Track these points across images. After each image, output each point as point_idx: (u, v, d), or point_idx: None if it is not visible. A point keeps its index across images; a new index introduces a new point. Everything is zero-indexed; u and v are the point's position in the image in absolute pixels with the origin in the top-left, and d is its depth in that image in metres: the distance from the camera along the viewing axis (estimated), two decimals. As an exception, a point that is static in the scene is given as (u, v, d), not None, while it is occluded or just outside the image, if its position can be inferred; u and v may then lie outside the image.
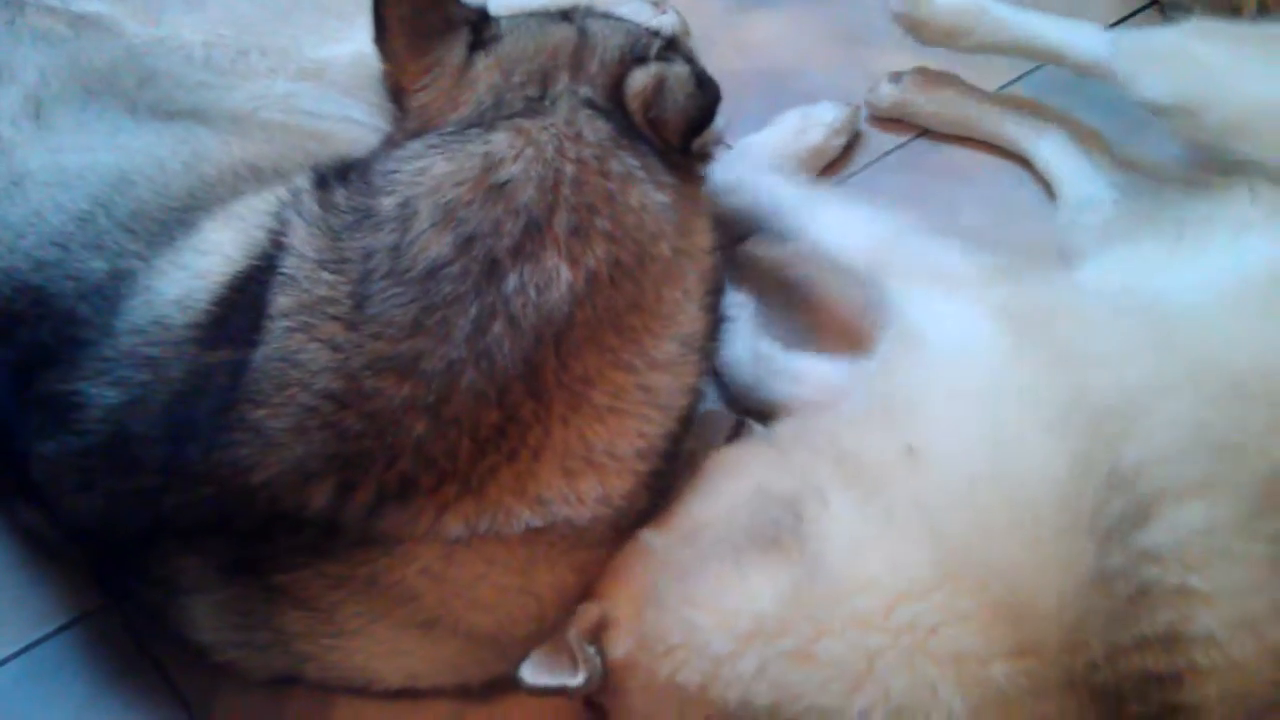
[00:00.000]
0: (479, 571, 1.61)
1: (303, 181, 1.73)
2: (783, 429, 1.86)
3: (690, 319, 1.67)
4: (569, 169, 1.62)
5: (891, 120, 2.61)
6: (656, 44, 1.80)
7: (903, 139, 2.61)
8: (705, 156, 1.83)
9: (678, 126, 1.71)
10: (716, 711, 1.56)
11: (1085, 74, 2.28)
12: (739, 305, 2.19)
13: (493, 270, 1.56)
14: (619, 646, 1.64)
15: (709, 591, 1.60)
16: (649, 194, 1.65)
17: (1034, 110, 2.54)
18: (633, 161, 1.66)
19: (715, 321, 1.73)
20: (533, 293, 1.55)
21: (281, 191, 1.75)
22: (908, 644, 1.50)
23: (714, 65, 2.64)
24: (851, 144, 2.56)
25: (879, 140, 2.60)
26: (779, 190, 2.22)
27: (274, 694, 1.81)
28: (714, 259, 1.74)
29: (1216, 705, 1.46)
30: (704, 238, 1.72)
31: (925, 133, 2.61)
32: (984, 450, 1.58)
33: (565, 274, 1.57)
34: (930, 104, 2.57)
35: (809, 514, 1.62)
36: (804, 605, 1.55)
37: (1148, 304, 1.69)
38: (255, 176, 1.92)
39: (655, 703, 1.62)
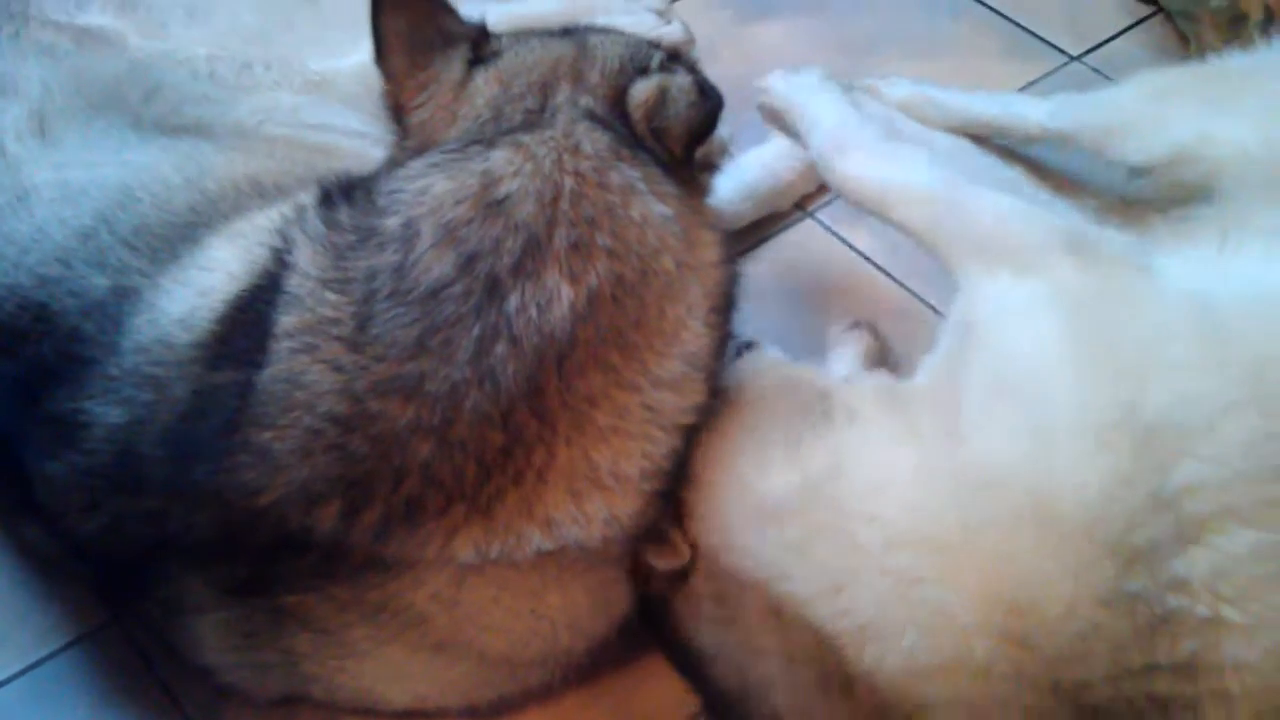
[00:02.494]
0: (491, 595, 1.61)
1: (307, 199, 1.72)
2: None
3: (695, 336, 1.64)
4: (568, 183, 1.59)
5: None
6: (658, 55, 1.78)
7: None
8: (710, 167, 1.81)
9: (680, 135, 1.69)
10: (715, 572, 1.69)
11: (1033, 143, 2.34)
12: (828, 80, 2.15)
13: (494, 289, 1.54)
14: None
15: (730, 466, 1.71)
16: (651, 206, 1.62)
17: None
18: (633, 173, 1.63)
19: (722, 339, 1.70)
20: (534, 312, 1.54)
21: (286, 208, 1.74)
22: (889, 584, 1.56)
23: (718, 74, 2.64)
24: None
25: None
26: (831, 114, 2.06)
27: (280, 713, 1.81)
28: (721, 272, 1.70)
29: None
30: (710, 251, 1.69)
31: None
32: (1023, 446, 1.56)
33: (566, 292, 1.55)
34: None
35: (837, 420, 1.69)
36: (809, 505, 1.64)
37: (1206, 311, 1.62)
38: (258, 192, 1.92)
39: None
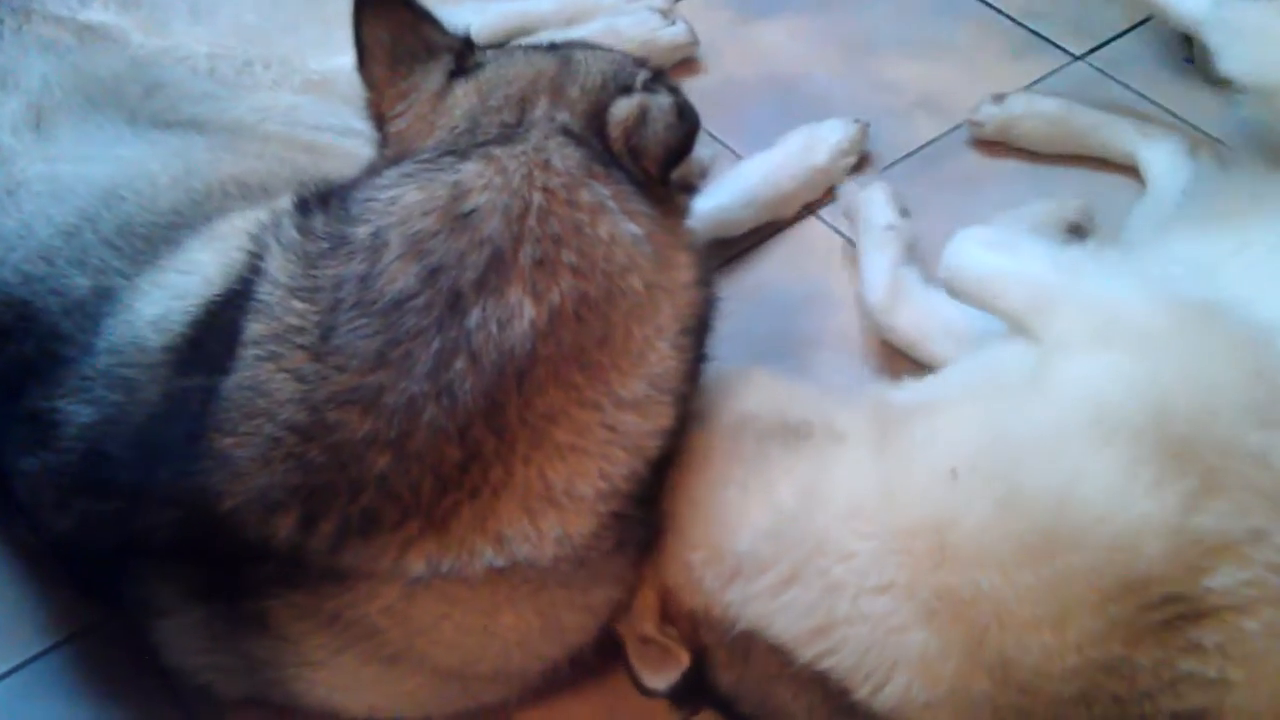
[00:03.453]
0: (441, 611, 1.60)
1: (284, 204, 1.72)
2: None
3: (662, 358, 1.62)
4: (536, 198, 1.58)
5: (993, 143, 2.57)
6: (642, 75, 1.76)
7: (912, 147, 2.59)
8: (689, 188, 1.77)
9: (656, 156, 1.66)
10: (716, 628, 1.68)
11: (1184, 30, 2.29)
12: (894, 229, 2.25)
13: (456, 303, 1.53)
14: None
15: (696, 526, 1.71)
16: (620, 225, 1.60)
17: (1138, 118, 2.53)
18: (604, 191, 1.61)
19: (694, 361, 1.68)
20: (494, 328, 1.52)
21: (263, 213, 1.73)
22: (870, 630, 1.56)
23: (721, 73, 2.70)
24: (860, 162, 2.54)
25: (888, 148, 2.58)
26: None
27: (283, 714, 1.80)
28: (694, 294, 1.68)
29: None
30: (684, 272, 1.67)
31: (944, 137, 2.60)
32: (1042, 520, 1.51)
33: (528, 309, 1.53)
34: (1037, 125, 2.53)
35: (817, 441, 1.70)
36: (782, 548, 1.64)
37: None
38: (242, 193, 1.93)
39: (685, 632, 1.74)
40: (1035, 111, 2.53)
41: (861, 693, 1.57)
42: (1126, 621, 1.47)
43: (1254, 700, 1.46)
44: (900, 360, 2.22)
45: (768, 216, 2.46)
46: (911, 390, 1.89)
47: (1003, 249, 1.91)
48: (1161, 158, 2.40)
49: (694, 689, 1.76)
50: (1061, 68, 2.72)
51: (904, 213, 2.33)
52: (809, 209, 2.49)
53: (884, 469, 1.65)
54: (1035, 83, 2.66)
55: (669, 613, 1.74)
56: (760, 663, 1.67)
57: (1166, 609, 1.47)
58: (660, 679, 1.73)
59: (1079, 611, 1.47)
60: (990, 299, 1.88)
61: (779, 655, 1.63)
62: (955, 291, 1.95)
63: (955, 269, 1.94)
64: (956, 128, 2.61)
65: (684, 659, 1.72)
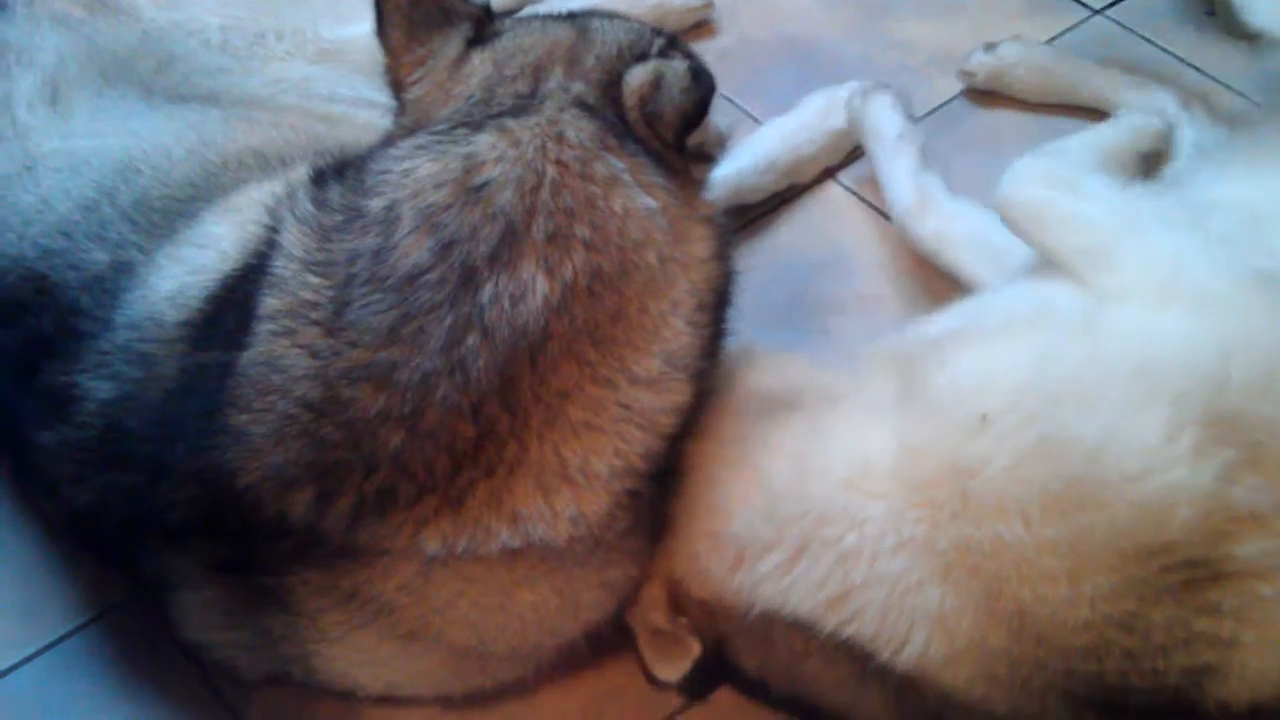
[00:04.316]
0: (458, 589, 1.60)
1: (300, 176, 1.71)
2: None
3: (677, 333, 1.60)
4: (550, 171, 1.56)
5: (985, 93, 2.55)
6: (658, 42, 1.74)
7: (930, 106, 2.56)
8: (706, 158, 1.74)
9: (672, 122, 1.64)
10: (732, 616, 1.67)
11: None
12: (905, 136, 2.24)
13: (469, 278, 1.52)
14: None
15: (695, 519, 1.70)
16: (634, 198, 1.58)
17: (1130, 70, 2.49)
18: (619, 164, 1.59)
19: (711, 337, 1.66)
20: (507, 304, 1.51)
21: (279, 186, 1.73)
22: (887, 593, 1.56)
23: (737, 36, 2.68)
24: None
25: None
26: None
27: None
28: (711, 269, 1.65)
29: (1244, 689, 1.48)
30: (700, 246, 1.65)
31: (960, 96, 2.57)
32: (1072, 468, 1.50)
33: (541, 284, 1.52)
34: (1029, 73, 2.51)
35: (807, 408, 1.69)
36: (785, 523, 1.62)
37: None
38: (259, 164, 1.92)
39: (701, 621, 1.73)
40: (1026, 60, 2.50)
41: (885, 655, 1.56)
42: (1144, 580, 1.46)
43: (1260, 660, 1.47)
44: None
45: (787, 182, 2.43)
46: (942, 319, 1.86)
47: (1064, 187, 1.85)
48: (1156, 109, 2.37)
49: (708, 677, 1.76)
50: (1080, 23, 2.69)
51: (910, 118, 2.31)
52: (828, 173, 2.47)
53: (902, 421, 1.63)
54: (1053, 39, 2.63)
55: (679, 603, 1.73)
56: (784, 642, 1.66)
57: (1186, 571, 1.46)
58: (671, 670, 1.73)
59: (1098, 567, 1.47)
60: (1045, 238, 1.82)
61: (801, 632, 1.63)
62: (1009, 222, 1.88)
63: (1012, 201, 1.87)
64: (964, 92, 2.58)
65: (695, 649, 1.72)
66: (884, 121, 2.31)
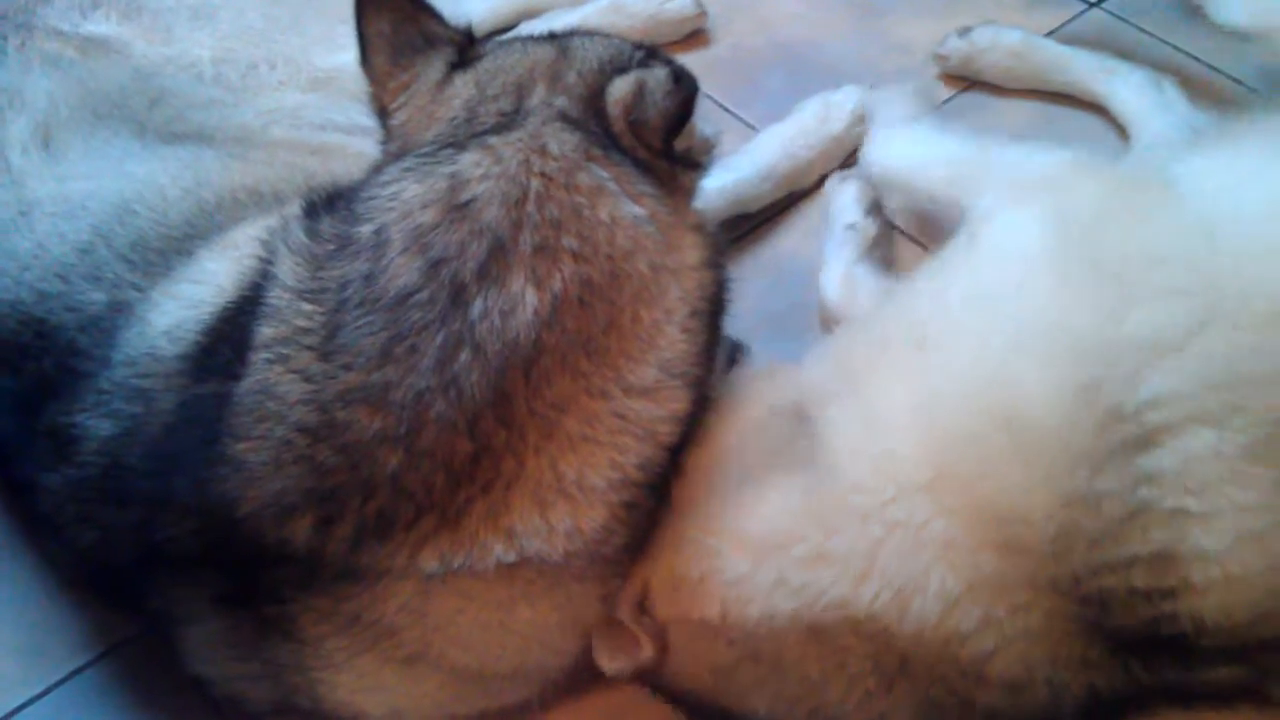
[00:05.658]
0: (457, 607, 1.59)
1: (294, 210, 1.71)
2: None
3: (671, 341, 1.59)
4: (534, 184, 1.56)
5: (957, 78, 2.56)
6: (638, 55, 1.75)
7: (949, 94, 2.56)
8: (695, 165, 1.74)
9: (658, 126, 1.64)
10: (738, 635, 1.64)
11: None
12: (855, 228, 2.28)
13: (458, 295, 1.52)
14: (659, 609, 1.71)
15: (725, 519, 1.67)
16: (622, 207, 1.58)
17: (1105, 53, 2.49)
18: (603, 174, 1.59)
19: (707, 344, 1.65)
20: (497, 319, 1.51)
21: (274, 220, 1.73)
22: (903, 536, 1.56)
23: (732, 43, 2.68)
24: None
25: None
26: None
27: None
28: (704, 276, 1.65)
29: (1217, 616, 1.45)
30: (692, 253, 1.64)
31: (972, 87, 2.57)
32: (995, 359, 1.58)
33: (531, 297, 1.52)
34: (1001, 57, 2.51)
35: (814, 424, 1.68)
36: (813, 511, 1.62)
37: (1207, 230, 1.61)
38: (254, 201, 1.93)
39: (693, 647, 1.70)
40: (998, 44, 2.51)
41: (909, 621, 1.55)
42: (1086, 449, 1.48)
43: (1215, 541, 1.45)
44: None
45: (787, 188, 2.43)
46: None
47: (920, 141, 2.09)
48: (1127, 92, 2.39)
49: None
50: (1077, 16, 2.69)
51: (875, 208, 2.33)
52: (827, 179, 2.45)
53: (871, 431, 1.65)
54: (1052, 32, 2.62)
55: (648, 607, 1.71)
56: (797, 662, 1.64)
57: (1116, 429, 1.48)
58: (612, 663, 1.71)
59: (1041, 438, 1.51)
60: (916, 186, 2.05)
61: (818, 640, 1.61)
62: (884, 186, 2.14)
63: (879, 165, 2.15)
64: (973, 84, 2.57)
65: (647, 650, 1.69)
66: (844, 208, 2.34)
